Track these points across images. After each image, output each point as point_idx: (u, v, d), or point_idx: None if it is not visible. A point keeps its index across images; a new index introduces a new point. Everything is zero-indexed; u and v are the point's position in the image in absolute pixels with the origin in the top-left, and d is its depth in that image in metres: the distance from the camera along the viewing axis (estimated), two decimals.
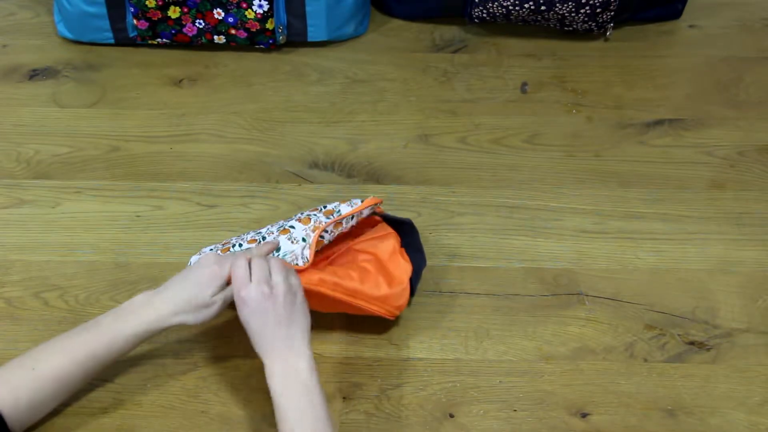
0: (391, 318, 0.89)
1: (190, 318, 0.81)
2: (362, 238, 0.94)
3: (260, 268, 0.80)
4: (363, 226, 0.95)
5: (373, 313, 0.88)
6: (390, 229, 0.94)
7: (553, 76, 1.25)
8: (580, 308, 0.95)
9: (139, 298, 0.81)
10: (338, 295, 0.86)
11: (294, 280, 0.82)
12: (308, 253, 0.87)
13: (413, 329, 0.92)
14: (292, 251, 0.88)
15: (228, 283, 0.82)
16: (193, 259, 0.92)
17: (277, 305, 0.79)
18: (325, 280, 0.85)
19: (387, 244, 0.92)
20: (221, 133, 1.15)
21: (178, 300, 0.80)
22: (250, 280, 0.80)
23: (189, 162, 1.11)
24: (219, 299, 0.81)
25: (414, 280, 0.91)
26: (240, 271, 0.80)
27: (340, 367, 0.89)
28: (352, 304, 0.86)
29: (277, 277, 0.80)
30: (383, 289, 0.88)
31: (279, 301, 0.79)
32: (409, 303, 0.92)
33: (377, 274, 0.89)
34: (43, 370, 0.77)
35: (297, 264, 0.87)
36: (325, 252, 0.93)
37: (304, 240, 0.88)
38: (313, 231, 0.89)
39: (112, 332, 0.79)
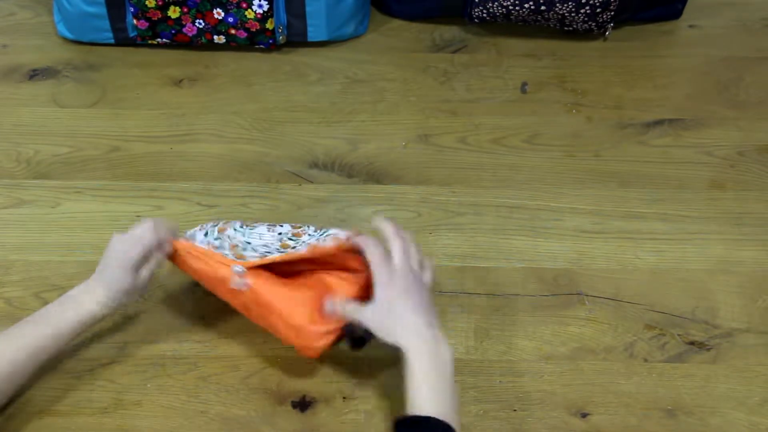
0: (303, 354, 0.81)
1: (126, 300, 0.83)
2: (336, 264, 0.84)
3: (405, 249, 0.79)
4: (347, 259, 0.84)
5: (286, 338, 0.81)
6: (367, 270, 0.81)
7: (553, 76, 1.25)
8: (580, 308, 0.95)
9: (81, 286, 0.83)
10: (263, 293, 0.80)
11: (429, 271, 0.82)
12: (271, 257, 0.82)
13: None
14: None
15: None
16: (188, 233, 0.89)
17: (423, 290, 0.79)
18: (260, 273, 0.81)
19: (349, 283, 0.82)
20: (221, 133, 1.15)
21: (110, 284, 0.82)
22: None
23: (189, 162, 1.11)
24: (146, 275, 0.83)
25: (350, 331, 0.81)
26: (379, 248, 0.79)
27: (340, 367, 0.89)
28: (270, 314, 0.80)
29: (419, 262, 0.80)
30: (303, 319, 0.79)
31: (426, 286, 0.79)
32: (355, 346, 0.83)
33: (310, 299, 0.80)
34: None
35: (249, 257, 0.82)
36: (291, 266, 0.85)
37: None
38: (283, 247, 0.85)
39: (57, 322, 0.80)
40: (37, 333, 0.80)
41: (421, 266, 0.82)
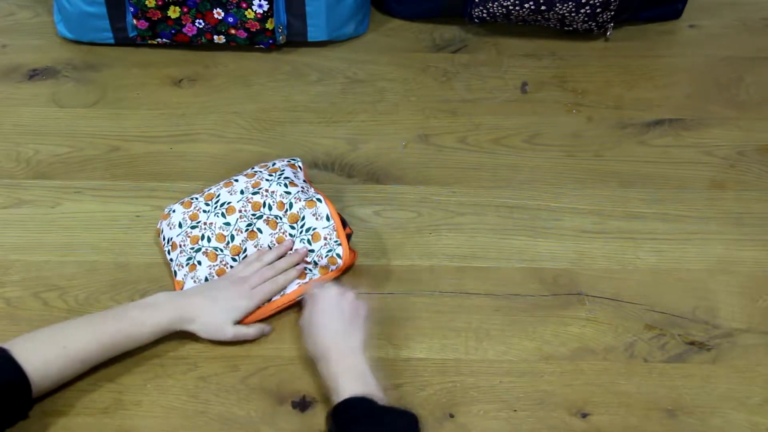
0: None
1: (204, 334, 0.88)
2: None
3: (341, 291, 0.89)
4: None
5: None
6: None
7: (553, 76, 1.25)
8: (580, 308, 0.95)
9: (164, 296, 0.87)
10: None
11: (361, 301, 0.89)
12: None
13: (413, 329, 0.92)
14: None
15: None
16: (169, 209, 0.99)
17: (345, 309, 0.86)
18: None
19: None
20: (221, 133, 1.15)
21: (201, 316, 0.87)
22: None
23: (189, 162, 1.11)
24: (234, 333, 0.88)
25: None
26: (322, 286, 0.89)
27: None
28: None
29: (346, 289, 0.89)
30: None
31: (348, 306, 0.86)
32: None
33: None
34: (72, 350, 0.82)
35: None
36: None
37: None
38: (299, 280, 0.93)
39: (136, 324, 0.85)
40: (114, 330, 0.84)
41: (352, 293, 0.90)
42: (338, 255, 0.92)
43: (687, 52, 1.30)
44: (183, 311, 0.86)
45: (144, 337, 0.85)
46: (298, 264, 0.93)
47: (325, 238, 0.93)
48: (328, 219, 0.93)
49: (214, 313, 0.88)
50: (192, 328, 0.87)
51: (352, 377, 0.80)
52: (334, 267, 0.93)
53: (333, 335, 0.84)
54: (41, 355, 0.79)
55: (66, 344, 0.81)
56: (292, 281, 0.92)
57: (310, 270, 0.94)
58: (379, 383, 0.81)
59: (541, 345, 0.92)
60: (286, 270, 0.92)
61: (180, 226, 0.96)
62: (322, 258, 0.93)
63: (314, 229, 0.93)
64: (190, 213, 0.97)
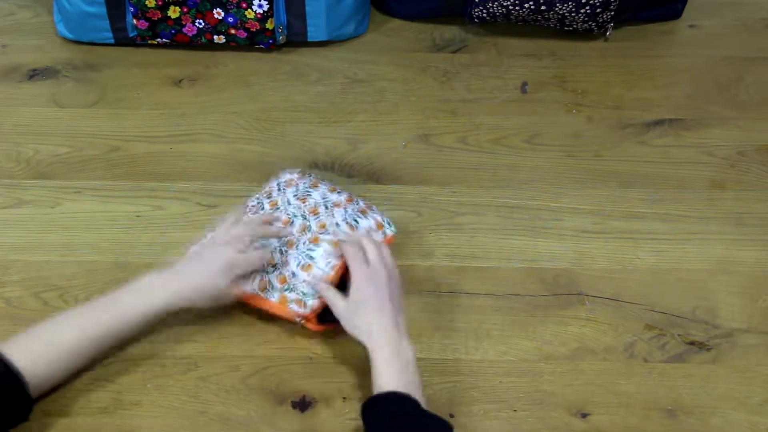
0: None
1: (203, 304, 0.85)
2: None
3: (377, 250, 0.87)
4: None
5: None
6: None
7: (553, 76, 1.25)
8: (580, 308, 0.95)
9: (154, 279, 0.84)
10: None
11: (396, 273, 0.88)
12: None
13: (413, 329, 0.92)
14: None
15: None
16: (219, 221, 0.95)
17: (395, 289, 0.85)
18: None
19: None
20: (221, 133, 1.15)
21: (193, 284, 0.84)
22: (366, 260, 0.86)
23: (189, 162, 1.11)
24: (234, 291, 0.86)
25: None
26: (357, 251, 0.86)
27: (340, 367, 0.89)
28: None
29: (391, 260, 0.87)
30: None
31: (398, 285, 0.85)
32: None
33: None
34: (59, 344, 0.80)
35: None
36: None
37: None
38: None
39: (126, 311, 0.83)
40: (106, 319, 0.82)
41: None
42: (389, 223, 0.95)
43: (687, 52, 1.30)
44: (177, 289, 0.84)
45: (138, 324, 0.84)
46: (276, 236, 0.91)
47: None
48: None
49: (204, 273, 0.85)
50: (190, 301, 0.84)
51: (396, 370, 0.79)
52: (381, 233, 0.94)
53: (378, 317, 0.82)
54: (26, 350, 0.78)
55: (52, 339, 0.80)
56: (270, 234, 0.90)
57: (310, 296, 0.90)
58: (419, 375, 0.80)
59: (541, 345, 0.92)
60: (263, 233, 0.91)
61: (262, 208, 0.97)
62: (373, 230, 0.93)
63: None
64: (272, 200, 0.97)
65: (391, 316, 0.82)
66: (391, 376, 0.78)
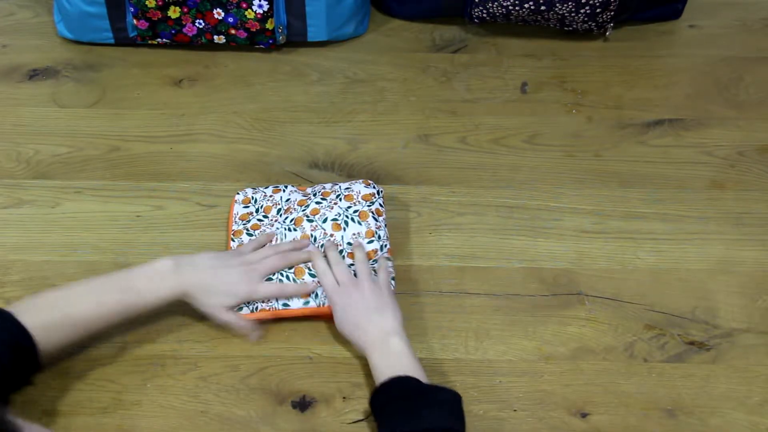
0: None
1: (201, 308, 0.87)
2: None
3: (345, 269, 0.90)
4: None
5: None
6: None
7: (553, 76, 1.25)
8: (580, 308, 0.95)
9: (171, 265, 0.86)
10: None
11: (383, 274, 0.90)
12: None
13: (413, 329, 0.92)
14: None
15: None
16: (239, 198, 1.01)
17: (374, 290, 0.88)
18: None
19: None
20: (221, 133, 1.15)
21: (201, 295, 0.86)
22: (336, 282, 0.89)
23: (189, 162, 1.11)
24: (227, 320, 0.88)
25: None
26: (326, 269, 0.90)
27: (340, 367, 0.89)
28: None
29: (362, 272, 0.90)
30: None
31: (368, 293, 0.87)
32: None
33: None
34: (74, 316, 0.81)
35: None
36: None
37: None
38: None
39: (141, 296, 0.84)
40: (118, 299, 0.83)
41: (369, 272, 0.91)
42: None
43: (687, 52, 1.30)
44: (186, 286, 0.85)
45: (147, 308, 0.85)
46: (309, 261, 0.92)
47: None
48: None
49: (213, 294, 0.87)
50: (190, 301, 0.87)
51: (387, 364, 0.82)
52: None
53: (360, 330, 0.86)
54: (41, 318, 0.79)
55: (68, 310, 0.81)
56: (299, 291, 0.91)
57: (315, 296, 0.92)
58: (418, 362, 0.82)
59: (540, 345, 0.92)
60: (296, 263, 0.92)
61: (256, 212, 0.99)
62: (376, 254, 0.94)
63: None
64: (265, 206, 1.00)
65: (371, 325, 0.85)
66: (387, 365, 0.82)
